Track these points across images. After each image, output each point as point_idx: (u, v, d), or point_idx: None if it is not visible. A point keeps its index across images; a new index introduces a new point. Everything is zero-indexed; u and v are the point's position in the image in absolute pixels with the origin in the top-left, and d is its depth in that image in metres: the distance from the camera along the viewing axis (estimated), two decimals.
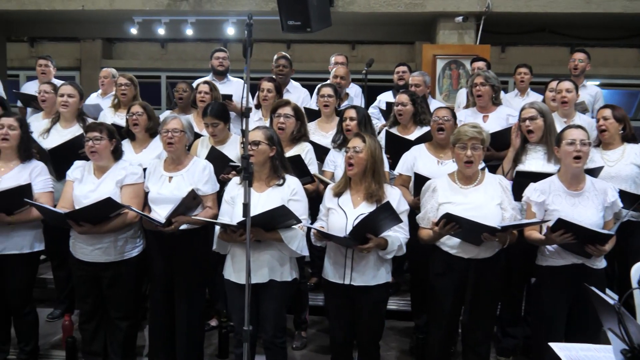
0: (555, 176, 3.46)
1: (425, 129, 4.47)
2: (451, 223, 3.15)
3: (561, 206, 3.32)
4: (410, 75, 5.66)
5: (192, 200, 3.51)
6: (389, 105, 5.21)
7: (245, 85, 2.84)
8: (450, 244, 3.35)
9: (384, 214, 3.17)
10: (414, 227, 3.46)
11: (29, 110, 5.73)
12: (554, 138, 3.69)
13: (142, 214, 3.52)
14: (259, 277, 3.30)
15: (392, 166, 4.21)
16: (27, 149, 3.82)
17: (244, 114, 2.78)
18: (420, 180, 3.76)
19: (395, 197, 3.32)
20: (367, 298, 3.35)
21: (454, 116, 4.11)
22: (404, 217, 3.33)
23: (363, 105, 5.32)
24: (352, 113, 4.14)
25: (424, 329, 4.10)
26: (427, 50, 7.57)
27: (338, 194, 3.40)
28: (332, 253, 3.42)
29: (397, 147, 4.33)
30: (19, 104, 6.10)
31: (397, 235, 3.30)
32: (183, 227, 3.57)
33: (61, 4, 7.55)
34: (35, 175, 3.75)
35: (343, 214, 3.32)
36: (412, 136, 4.46)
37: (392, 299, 4.53)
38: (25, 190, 3.58)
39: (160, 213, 3.57)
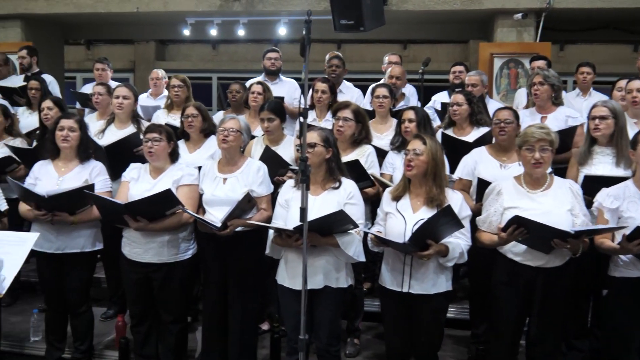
0: (630, 181, 3.24)
1: (483, 129, 4.31)
2: (520, 228, 2.97)
3: (637, 213, 3.10)
4: (466, 74, 5.47)
5: (247, 203, 3.45)
6: (445, 105, 5.04)
7: (304, 84, 2.73)
8: (515, 250, 3.17)
9: (445, 219, 3.02)
10: (474, 232, 3.31)
11: (86, 110, 5.82)
12: (625, 141, 3.46)
13: (197, 216, 3.48)
14: (314, 283, 3.20)
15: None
16: (86, 150, 3.84)
17: (302, 114, 2.68)
18: (484, 186, 3.59)
19: (457, 201, 3.17)
20: (426, 307, 3.20)
21: (517, 117, 3.91)
22: (466, 223, 3.18)
23: (418, 106, 5.15)
24: (410, 114, 4.00)
25: (483, 339, 3.92)
26: (483, 49, 7.34)
27: (396, 198, 3.27)
28: (389, 259, 3.28)
29: (454, 149, 4.16)
30: (78, 105, 6.21)
31: (458, 242, 3.15)
32: (237, 229, 3.51)
33: (116, 7, 7.66)
34: (94, 175, 3.78)
35: (402, 218, 3.19)
36: (469, 137, 4.30)
37: (449, 306, 4.35)
38: (89, 190, 3.59)
39: (214, 215, 3.53)
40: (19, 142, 4.67)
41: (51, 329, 4.00)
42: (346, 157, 3.74)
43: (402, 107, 4.83)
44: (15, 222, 4.03)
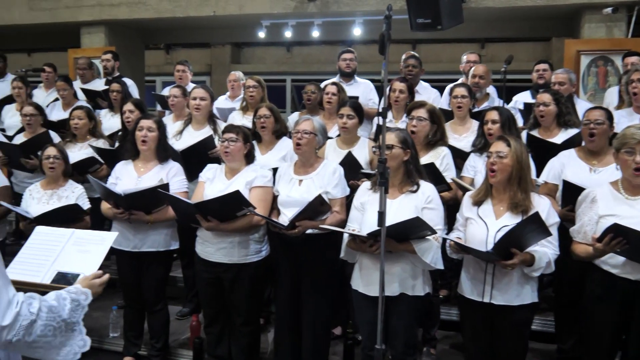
0: None
1: (571, 131, 4.07)
2: (618, 238, 2.73)
3: None
4: (552, 73, 5.18)
5: (320, 205, 3.38)
6: (528, 105, 4.80)
7: (384, 82, 2.62)
8: (613, 262, 2.91)
9: (532, 227, 2.83)
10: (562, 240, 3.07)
11: (166, 112, 5.96)
12: None
13: (264, 217, 3.45)
14: (389, 291, 3.07)
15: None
16: (164, 150, 3.90)
17: (381, 113, 2.57)
18: (570, 190, 3.39)
19: (544, 207, 2.97)
20: (509, 319, 3.01)
21: (610, 118, 3.63)
22: (554, 231, 2.97)
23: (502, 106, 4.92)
24: (494, 115, 3.80)
25: (570, 355, 3.67)
26: (569, 46, 6.94)
27: (478, 203, 3.10)
28: (470, 267, 3.12)
29: (540, 151, 3.94)
30: (158, 107, 6.37)
31: (545, 251, 2.94)
32: (309, 231, 3.46)
33: (194, 11, 7.83)
34: (171, 176, 3.83)
35: (483, 225, 3.02)
36: (557, 139, 4.06)
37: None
38: (164, 189, 3.64)
39: (289, 216, 3.49)
40: (101, 143, 4.83)
41: (129, 325, 4.10)
42: (420, 159, 3.60)
43: (486, 108, 4.63)
44: (97, 220, 4.15)
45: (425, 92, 5.37)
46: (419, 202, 3.11)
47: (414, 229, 2.97)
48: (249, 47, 12.01)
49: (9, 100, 6.25)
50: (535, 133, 4.20)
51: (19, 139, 5.07)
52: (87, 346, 1.90)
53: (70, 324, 1.83)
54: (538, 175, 3.78)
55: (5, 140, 5.11)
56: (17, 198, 4.56)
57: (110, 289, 5.15)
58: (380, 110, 2.60)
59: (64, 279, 2.18)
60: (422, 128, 3.83)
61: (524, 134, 4.17)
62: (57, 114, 5.83)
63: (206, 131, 4.52)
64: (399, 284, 3.11)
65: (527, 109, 4.77)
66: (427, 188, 3.17)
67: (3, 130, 5.90)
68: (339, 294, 4.16)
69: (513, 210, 2.99)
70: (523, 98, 5.36)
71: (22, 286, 1.97)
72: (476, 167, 3.85)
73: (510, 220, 2.95)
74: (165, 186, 3.67)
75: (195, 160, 4.11)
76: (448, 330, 4.42)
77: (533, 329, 4.23)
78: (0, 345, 1.71)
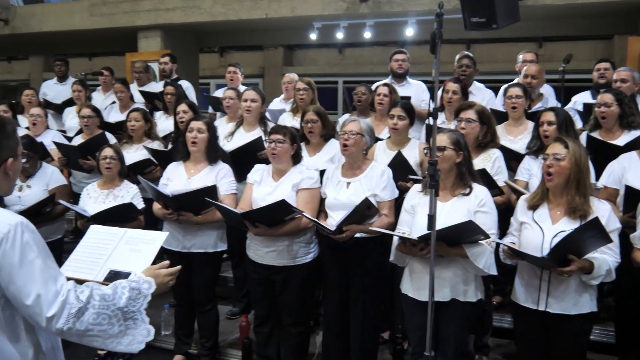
0: None
1: (635, 133, 3.91)
2: None
3: None
4: (613, 72, 4.97)
5: (367, 209, 3.34)
6: (588, 106, 4.62)
7: (435, 83, 2.56)
8: None
9: (591, 233, 2.71)
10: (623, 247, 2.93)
11: (218, 114, 6.04)
12: None
13: (312, 219, 3.43)
14: (440, 296, 3.00)
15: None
16: (214, 152, 3.94)
17: (432, 114, 2.51)
18: (632, 195, 3.25)
19: (604, 212, 2.84)
20: (566, 329, 2.89)
21: None
22: (615, 237, 2.84)
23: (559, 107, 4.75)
24: (550, 116, 3.67)
25: None
26: (632, 44, 6.65)
27: (533, 207, 3.00)
28: (524, 274, 3.01)
29: (600, 154, 3.78)
30: (210, 110, 6.47)
31: (605, 258, 2.81)
32: (358, 235, 3.42)
33: (247, 14, 7.92)
34: (220, 177, 3.86)
35: (539, 230, 2.91)
36: (619, 142, 3.89)
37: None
38: (210, 192, 3.68)
39: (336, 219, 3.46)
40: (156, 145, 4.93)
41: (180, 324, 4.17)
42: None
43: (539, 109, 4.48)
44: (151, 220, 4.24)
45: (479, 93, 5.25)
46: (471, 206, 3.03)
47: (466, 233, 2.89)
48: (301, 49, 12.08)
49: (70, 102, 6.48)
50: (595, 135, 4.03)
51: (77, 141, 5.24)
52: (151, 335, 1.89)
53: (129, 313, 1.83)
54: (597, 179, 3.63)
55: (64, 141, 5.29)
56: (75, 197, 4.71)
57: None
58: (431, 111, 2.54)
59: (116, 277, 2.22)
60: (472, 130, 3.72)
61: (583, 136, 4.01)
62: (114, 115, 6.01)
63: (256, 133, 4.55)
64: (450, 289, 3.03)
65: (587, 110, 4.59)
66: (480, 191, 3.08)
67: (64, 131, 6.11)
68: (389, 298, 4.11)
69: (571, 215, 2.87)
70: (582, 98, 5.17)
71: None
72: (531, 170, 3.72)
73: (567, 226, 2.84)
74: (213, 188, 3.70)
75: (244, 161, 4.14)
76: (501, 338, 4.28)
77: (592, 339, 4.06)
78: (55, 334, 1.75)
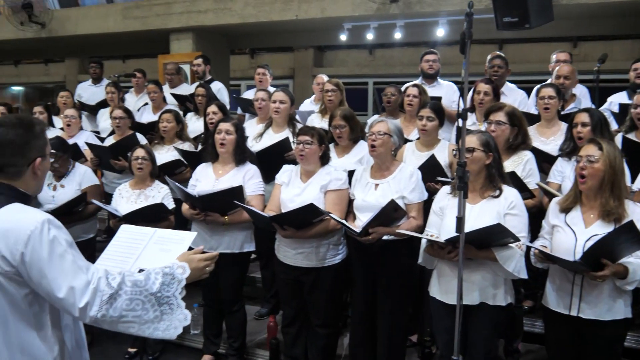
0: None
1: None
2: None
3: None
4: None
5: (394, 211, 3.30)
6: (624, 107, 4.50)
7: (464, 83, 2.53)
8: None
9: (626, 236, 2.65)
10: None
11: (247, 115, 6.08)
12: None
13: (340, 221, 3.42)
14: (469, 299, 2.97)
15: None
16: (242, 153, 3.95)
17: (461, 115, 2.48)
18: None
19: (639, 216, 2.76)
20: (599, 335, 2.83)
21: None
22: None
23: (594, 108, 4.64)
24: (584, 117, 3.59)
25: None
26: None
27: (566, 210, 2.93)
28: (556, 278, 2.96)
29: (637, 156, 3.67)
30: (239, 111, 6.52)
31: None
32: (386, 237, 3.40)
33: (277, 15, 7.94)
34: (248, 178, 3.87)
35: (572, 233, 2.85)
36: None
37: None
38: (237, 192, 3.70)
39: (364, 220, 3.44)
40: (187, 146, 4.99)
41: (208, 324, 4.20)
42: None
43: (572, 110, 4.38)
44: (181, 220, 4.29)
45: (511, 94, 5.16)
46: (501, 208, 2.98)
47: (496, 235, 2.85)
48: (331, 50, 12.08)
49: (104, 104, 6.60)
50: (632, 136, 3.93)
51: (109, 141, 5.34)
52: (188, 320, 1.91)
53: (163, 298, 1.84)
54: (633, 181, 3.53)
55: (97, 142, 5.39)
56: (107, 197, 4.79)
57: (192, 287, 5.35)
58: (460, 112, 2.51)
59: None
60: (502, 132, 3.65)
61: (618, 137, 3.92)
62: (147, 116, 6.10)
63: (285, 134, 4.55)
64: (479, 292, 2.99)
65: (623, 111, 4.48)
66: (510, 193, 3.03)
67: (98, 132, 6.23)
68: (417, 300, 4.08)
69: (605, 218, 2.80)
70: (618, 99, 5.04)
71: None
72: (564, 173, 3.64)
73: (601, 229, 2.77)
74: (239, 189, 3.71)
75: (271, 162, 4.15)
76: (532, 343, 4.21)
77: (626, 345, 3.97)
78: (91, 323, 1.78)
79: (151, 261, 2.23)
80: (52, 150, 4.20)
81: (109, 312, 1.76)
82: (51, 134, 5.28)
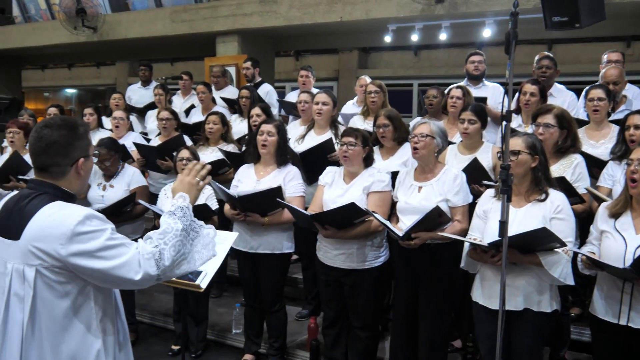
0: None
1: None
2: None
3: None
4: None
5: (438, 217, 3.26)
6: None
7: (509, 84, 2.48)
8: None
9: None
10: None
11: (290, 117, 6.11)
12: None
13: (383, 221, 3.40)
14: (513, 305, 2.91)
15: None
16: (283, 154, 3.98)
17: (505, 117, 2.43)
18: None
19: None
20: None
21: None
22: None
23: None
24: (637, 119, 3.48)
25: None
26: None
27: (615, 215, 2.84)
28: (604, 285, 2.86)
29: None
30: (282, 112, 6.56)
31: None
32: (429, 240, 3.35)
33: (322, 17, 7.95)
34: (288, 180, 3.89)
35: (621, 239, 2.76)
36: None
37: None
38: (276, 193, 3.72)
39: (407, 224, 3.41)
40: (231, 148, 5.05)
41: (249, 323, 4.24)
42: (550, 169, 3.35)
43: (622, 112, 4.24)
44: (225, 220, 4.34)
45: (559, 95, 5.02)
46: (547, 212, 2.91)
47: (541, 240, 2.78)
48: (375, 52, 12.02)
49: (153, 106, 6.76)
50: None
51: (156, 142, 5.46)
52: (214, 230, 2.10)
53: (187, 229, 1.96)
54: None
55: (144, 142, 5.52)
56: (152, 197, 4.90)
57: (234, 287, 5.42)
58: (504, 113, 2.46)
59: (188, 274, 2.31)
60: (550, 135, 3.55)
61: None
62: (196, 117, 6.20)
63: (327, 136, 4.56)
64: (523, 298, 2.92)
65: None
66: (556, 197, 2.95)
67: (146, 134, 6.38)
68: (460, 305, 4.01)
69: None
70: None
71: None
72: (615, 177, 3.52)
73: None
74: (278, 190, 3.73)
75: (314, 163, 4.16)
76: (579, 351, 4.08)
77: None
78: (157, 282, 1.92)
79: (195, 259, 2.29)
80: (105, 149, 4.34)
81: (165, 264, 1.87)
82: (101, 135, 5.45)
